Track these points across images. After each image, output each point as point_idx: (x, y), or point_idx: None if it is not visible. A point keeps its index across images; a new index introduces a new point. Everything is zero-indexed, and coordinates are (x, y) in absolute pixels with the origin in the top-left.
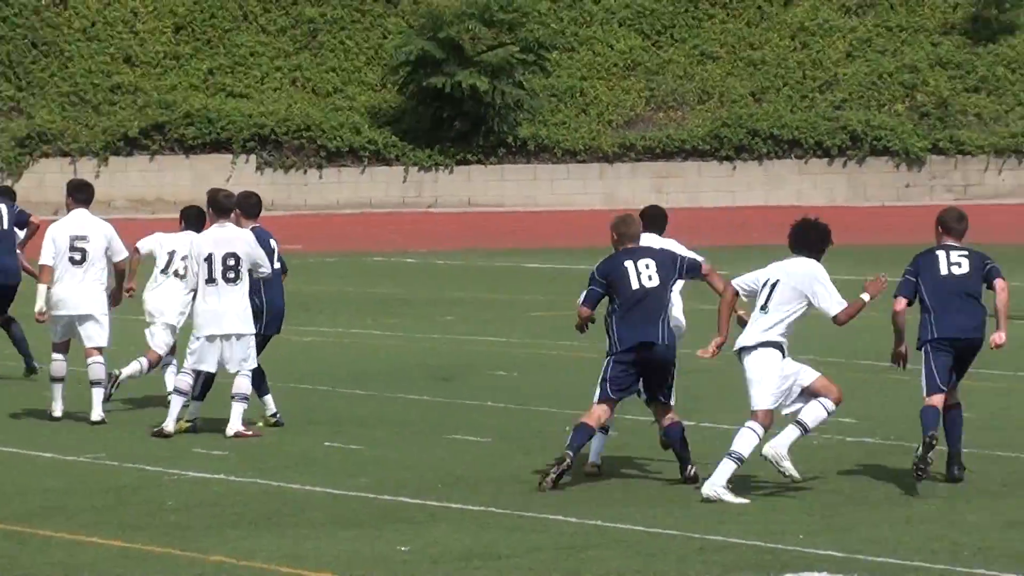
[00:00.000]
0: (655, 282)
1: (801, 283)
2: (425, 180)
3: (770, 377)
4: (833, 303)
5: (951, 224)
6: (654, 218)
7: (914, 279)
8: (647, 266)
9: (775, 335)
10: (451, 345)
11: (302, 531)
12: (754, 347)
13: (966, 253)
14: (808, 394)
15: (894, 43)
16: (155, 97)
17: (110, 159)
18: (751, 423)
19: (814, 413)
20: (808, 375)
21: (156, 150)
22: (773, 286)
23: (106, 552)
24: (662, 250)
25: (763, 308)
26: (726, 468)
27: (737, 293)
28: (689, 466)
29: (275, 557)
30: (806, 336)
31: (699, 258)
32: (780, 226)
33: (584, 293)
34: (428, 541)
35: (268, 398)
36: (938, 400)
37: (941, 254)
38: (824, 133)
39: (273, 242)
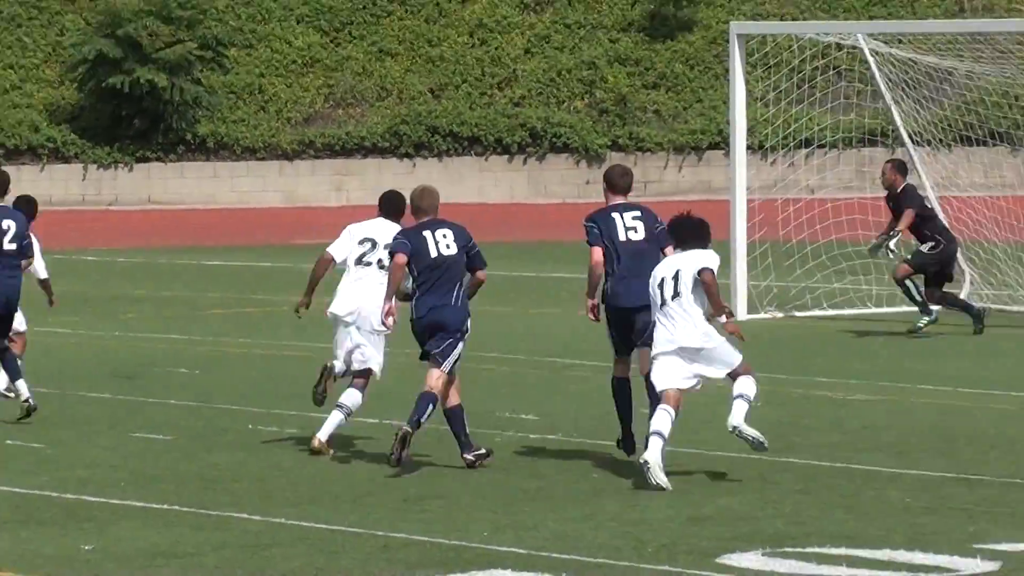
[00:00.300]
0: (452, 251)
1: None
2: (104, 178)
3: None
4: None
5: (615, 180)
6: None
7: (599, 231)
8: (444, 236)
9: None
10: (133, 343)
11: None
12: None
13: (639, 214)
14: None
15: (572, 40)
16: None
17: None
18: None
19: None
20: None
21: None
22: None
23: None
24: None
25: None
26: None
27: None
28: (469, 452)
29: None
30: (485, 334)
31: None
32: (462, 222)
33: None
34: (112, 539)
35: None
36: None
37: (617, 216)
38: (504, 130)
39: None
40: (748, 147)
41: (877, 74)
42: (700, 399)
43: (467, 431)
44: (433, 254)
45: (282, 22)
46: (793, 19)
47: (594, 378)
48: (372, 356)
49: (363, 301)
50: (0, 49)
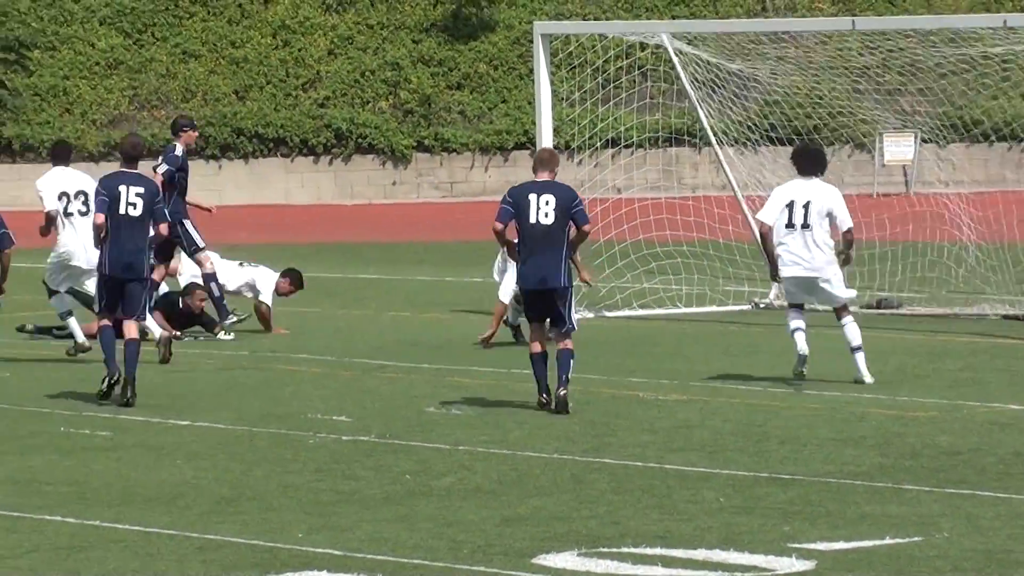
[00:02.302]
0: None
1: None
2: None
3: None
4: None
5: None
6: None
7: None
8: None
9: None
10: None
11: None
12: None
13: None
14: None
15: (376, 40)
16: None
17: None
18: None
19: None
20: None
21: None
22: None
23: None
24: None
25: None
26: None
27: None
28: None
29: None
30: (296, 336)
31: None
32: (268, 225)
33: None
34: None
35: None
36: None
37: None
38: (309, 131)
39: None
40: (555, 147)
41: (682, 73)
42: (509, 402)
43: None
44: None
45: (84, 24)
46: (596, 19)
47: (405, 379)
48: None
49: None
50: None
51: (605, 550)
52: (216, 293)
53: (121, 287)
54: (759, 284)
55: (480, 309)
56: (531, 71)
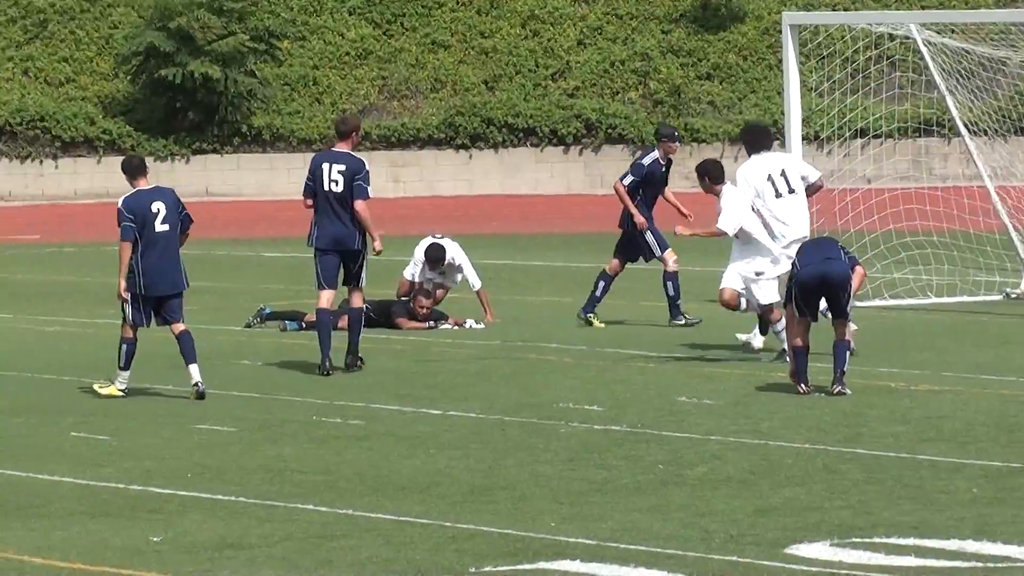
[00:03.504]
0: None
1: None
2: (162, 170)
3: None
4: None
5: (337, 127)
6: None
7: None
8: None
9: None
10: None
11: (52, 522)
12: None
13: (343, 169)
14: None
15: (625, 31)
16: None
17: None
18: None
19: None
20: None
21: None
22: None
23: None
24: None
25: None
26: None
27: None
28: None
29: (25, 549)
30: (547, 324)
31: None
32: (518, 215)
33: None
34: (179, 531)
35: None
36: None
37: (326, 166)
38: (559, 121)
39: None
40: (804, 137)
41: (931, 64)
42: (763, 390)
43: None
44: None
45: (334, 14)
46: (845, 9)
47: (657, 368)
48: None
49: None
50: (54, 42)
51: (858, 540)
52: (671, 292)
53: (338, 261)
54: (1010, 274)
55: None
56: (780, 61)
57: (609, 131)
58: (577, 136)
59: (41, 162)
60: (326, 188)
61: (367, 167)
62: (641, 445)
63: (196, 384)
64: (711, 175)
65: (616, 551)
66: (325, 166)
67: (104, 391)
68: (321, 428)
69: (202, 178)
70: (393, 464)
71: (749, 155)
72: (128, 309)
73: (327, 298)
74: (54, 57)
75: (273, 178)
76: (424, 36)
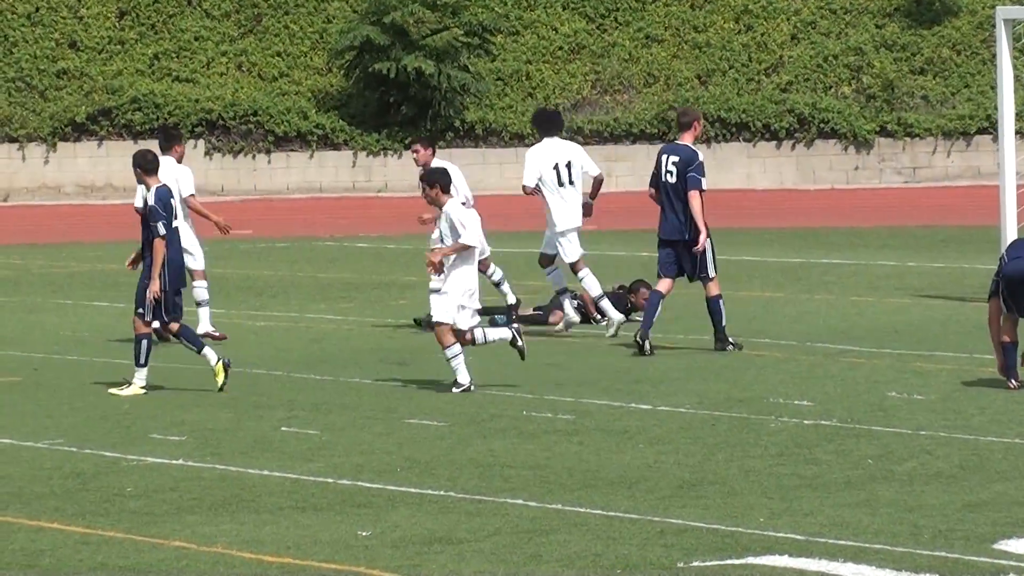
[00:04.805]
0: None
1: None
2: (374, 164)
3: None
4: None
5: (678, 119)
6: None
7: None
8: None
9: None
10: (404, 330)
11: (261, 516)
12: None
13: (677, 160)
14: None
15: (838, 25)
16: (101, 82)
17: (58, 145)
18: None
19: None
20: None
21: (104, 135)
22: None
23: (67, 538)
24: None
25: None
26: None
27: None
28: None
29: (235, 542)
30: (756, 320)
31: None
32: (730, 209)
33: None
34: (388, 525)
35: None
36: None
37: (664, 157)
38: (771, 116)
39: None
40: (1017, 132)
41: None
42: (972, 385)
43: None
44: None
45: (548, 8)
46: None
47: (867, 364)
48: None
49: None
50: (268, 37)
51: None
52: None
53: (673, 252)
54: None
55: (944, 294)
56: (994, 56)
57: (822, 126)
58: (790, 131)
59: (254, 157)
60: (663, 179)
61: (700, 158)
62: (851, 440)
63: (221, 359)
64: (441, 185)
65: (824, 546)
66: (663, 158)
67: (126, 393)
68: (531, 423)
69: (414, 172)
70: (603, 459)
71: (540, 139)
72: (158, 307)
73: (664, 285)
74: (268, 52)
75: (485, 173)
76: (637, 31)
